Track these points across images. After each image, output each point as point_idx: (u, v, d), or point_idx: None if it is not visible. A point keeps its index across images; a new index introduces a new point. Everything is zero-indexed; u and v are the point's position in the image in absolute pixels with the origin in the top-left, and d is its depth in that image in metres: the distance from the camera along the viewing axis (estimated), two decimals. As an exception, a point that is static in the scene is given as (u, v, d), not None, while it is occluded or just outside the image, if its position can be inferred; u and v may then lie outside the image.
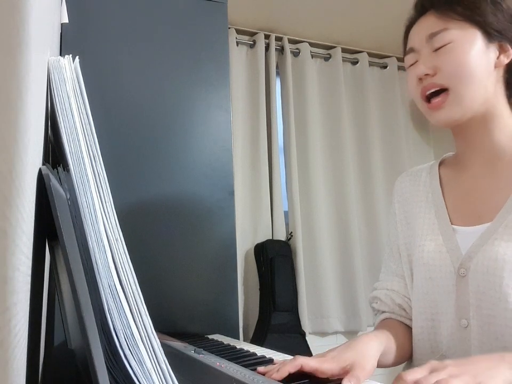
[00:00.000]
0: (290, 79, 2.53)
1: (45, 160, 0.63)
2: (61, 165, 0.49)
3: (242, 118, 2.39)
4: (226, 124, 1.24)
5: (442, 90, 0.78)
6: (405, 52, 0.87)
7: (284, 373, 0.62)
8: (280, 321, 2.18)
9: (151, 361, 0.33)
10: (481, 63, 0.77)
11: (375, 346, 0.73)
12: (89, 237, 0.37)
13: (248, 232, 2.33)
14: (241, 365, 0.69)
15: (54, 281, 0.80)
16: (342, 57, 2.69)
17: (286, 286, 2.24)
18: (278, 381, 0.61)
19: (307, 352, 2.16)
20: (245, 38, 2.52)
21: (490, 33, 0.78)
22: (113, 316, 0.34)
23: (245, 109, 2.41)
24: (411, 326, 0.88)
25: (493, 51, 0.78)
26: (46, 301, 0.82)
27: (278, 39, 2.57)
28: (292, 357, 0.73)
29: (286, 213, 2.44)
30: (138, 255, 1.09)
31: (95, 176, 0.41)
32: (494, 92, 0.79)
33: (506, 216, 0.74)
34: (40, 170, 0.47)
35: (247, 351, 0.83)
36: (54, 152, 0.61)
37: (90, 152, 0.42)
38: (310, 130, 2.50)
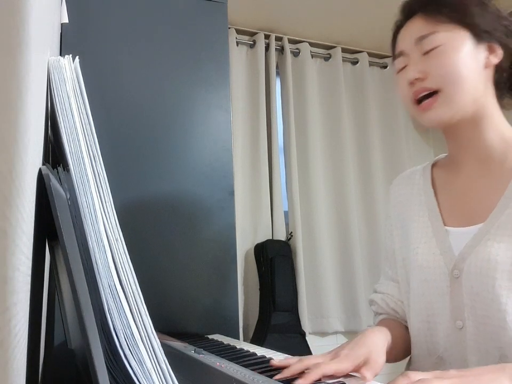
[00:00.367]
0: (290, 79, 2.53)
1: (45, 160, 0.63)
2: (61, 165, 0.49)
3: (242, 118, 2.39)
4: (226, 124, 1.24)
5: (433, 93, 0.78)
6: (394, 56, 0.87)
7: (308, 381, 0.62)
8: (280, 321, 2.18)
9: (151, 361, 0.33)
10: (471, 65, 0.77)
11: (383, 341, 0.76)
12: (89, 237, 0.37)
13: (248, 232, 2.33)
14: (241, 365, 0.69)
15: (54, 281, 0.80)
16: (342, 57, 2.69)
17: (286, 286, 2.24)
18: (278, 381, 0.62)
19: (307, 352, 2.16)
20: (245, 38, 2.52)
21: (479, 34, 0.78)
22: (113, 316, 0.34)
23: (245, 109, 2.41)
24: (407, 326, 0.89)
25: (482, 52, 0.78)
26: (46, 301, 0.82)
27: (278, 39, 2.57)
28: (293, 357, 0.73)
29: (286, 213, 2.44)
30: (138, 255, 1.09)
31: (95, 176, 0.41)
32: (484, 92, 0.79)
33: (499, 216, 0.74)
34: (40, 170, 0.47)
35: (247, 351, 0.83)
36: (54, 152, 0.61)
37: (90, 152, 0.42)
38: (310, 130, 2.50)
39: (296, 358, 0.69)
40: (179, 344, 0.86)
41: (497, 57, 0.79)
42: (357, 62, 2.75)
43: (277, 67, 2.59)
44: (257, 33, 2.51)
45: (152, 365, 0.33)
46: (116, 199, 0.40)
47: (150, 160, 1.14)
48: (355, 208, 2.52)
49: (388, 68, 2.82)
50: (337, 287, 2.45)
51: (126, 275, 0.36)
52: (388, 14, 0.91)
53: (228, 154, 1.22)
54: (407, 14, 0.84)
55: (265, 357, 0.77)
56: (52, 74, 0.48)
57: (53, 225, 0.37)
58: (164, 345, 0.47)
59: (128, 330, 0.34)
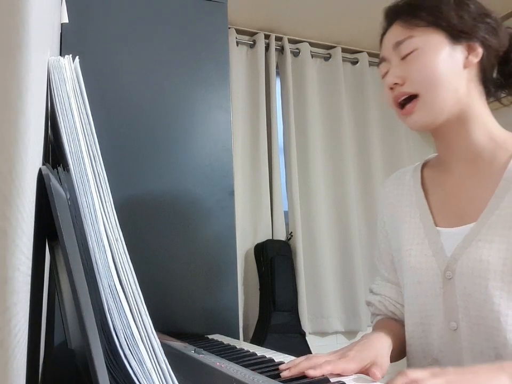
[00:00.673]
0: (290, 79, 2.53)
1: (45, 160, 0.63)
2: (61, 165, 0.49)
3: (242, 118, 2.39)
4: (226, 124, 1.24)
5: (413, 96, 0.79)
6: (378, 62, 0.88)
7: (319, 373, 0.63)
8: (280, 321, 2.18)
9: (151, 361, 0.33)
10: (448, 66, 0.77)
11: (387, 344, 0.78)
12: (89, 237, 0.37)
13: (248, 232, 2.33)
14: (241, 365, 0.69)
15: (54, 281, 0.80)
16: (342, 57, 2.69)
17: (286, 286, 2.24)
18: (278, 380, 0.62)
19: (307, 352, 2.16)
20: (245, 38, 2.52)
21: (456, 35, 0.77)
22: (113, 316, 0.34)
23: (245, 109, 2.41)
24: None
25: (460, 52, 0.78)
26: (46, 301, 0.82)
27: (278, 39, 2.57)
28: (293, 357, 0.73)
29: (286, 213, 2.44)
30: (138, 255, 1.09)
31: (95, 176, 0.41)
32: (467, 92, 0.78)
33: (489, 216, 0.74)
34: (40, 170, 0.47)
35: (247, 351, 0.83)
36: (54, 152, 0.61)
37: (90, 152, 0.42)
38: (310, 130, 2.50)
39: (303, 357, 0.70)
40: (179, 344, 0.86)
41: (477, 56, 0.78)
42: (357, 62, 2.75)
43: (277, 67, 2.59)
44: (257, 33, 2.51)
45: (152, 365, 0.33)
46: (115, 199, 0.40)
47: (150, 160, 1.14)
48: (355, 208, 2.52)
49: (387, 68, 2.82)
50: (337, 287, 2.45)
51: (126, 275, 0.36)
52: (388, 14, 0.91)
53: (228, 154, 1.22)
54: (389, 20, 0.86)
55: (265, 357, 0.77)
56: (52, 74, 0.48)
57: (53, 225, 0.37)
58: (164, 345, 0.47)
59: (128, 330, 0.34)
